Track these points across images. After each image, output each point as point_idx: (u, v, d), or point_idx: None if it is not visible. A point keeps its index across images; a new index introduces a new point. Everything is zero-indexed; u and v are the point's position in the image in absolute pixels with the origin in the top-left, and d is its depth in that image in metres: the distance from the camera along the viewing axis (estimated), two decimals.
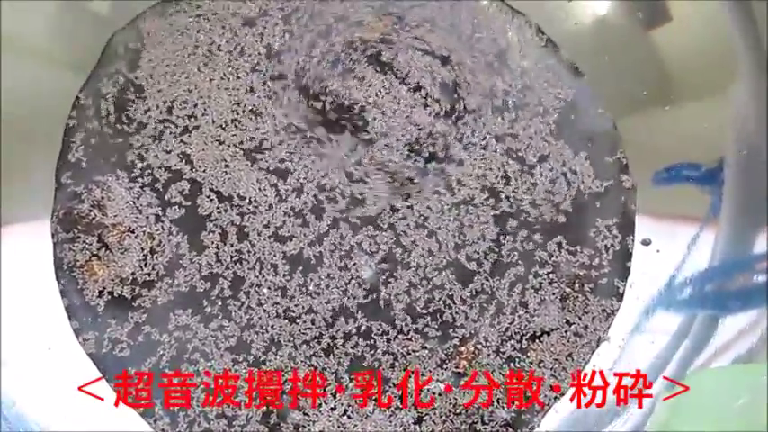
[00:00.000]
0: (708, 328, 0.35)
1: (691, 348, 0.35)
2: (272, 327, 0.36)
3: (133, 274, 0.36)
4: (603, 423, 0.35)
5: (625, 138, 0.38)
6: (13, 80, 0.37)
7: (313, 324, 0.36)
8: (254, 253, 0.37)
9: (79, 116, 0.38)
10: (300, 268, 0.37)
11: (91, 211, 0.37)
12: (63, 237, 0.37)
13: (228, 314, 0.36)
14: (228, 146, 0.37)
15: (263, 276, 0.37)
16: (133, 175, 0.37)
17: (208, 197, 0.37)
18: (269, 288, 0.37)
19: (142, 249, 0.37)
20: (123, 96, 0.38)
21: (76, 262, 0.37)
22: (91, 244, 0.37)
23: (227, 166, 0.37)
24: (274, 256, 0.37)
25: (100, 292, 0.36)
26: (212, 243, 0.37)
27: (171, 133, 0.38)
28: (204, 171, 0.37)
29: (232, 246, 0.37)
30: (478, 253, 0.37)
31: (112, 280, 0.36)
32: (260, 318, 0.36)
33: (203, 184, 0.37)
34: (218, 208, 0.37)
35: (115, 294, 0.36)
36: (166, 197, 0.37)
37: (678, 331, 0.36)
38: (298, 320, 0.36)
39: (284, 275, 0.37)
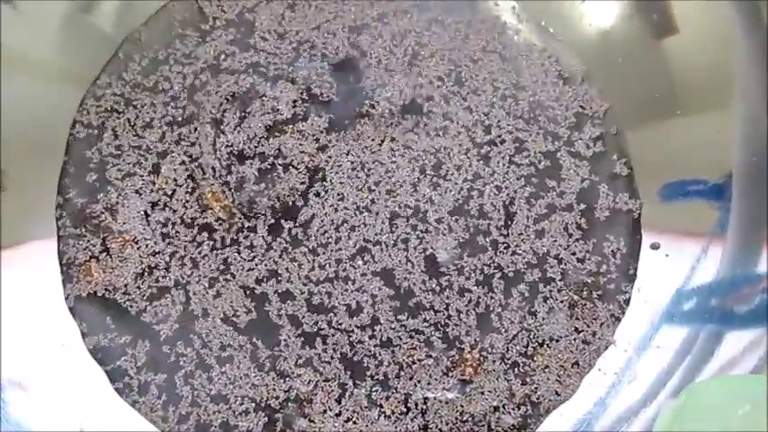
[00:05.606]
0: (711, 344, 0.35)
1: (694, 364, 0.35)
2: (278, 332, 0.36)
3: (126, 285, 0.36)
4: (608, 427, 0.35)
5: (633, 148, 0.38)
6: (26, 93, 0.37)
7: (321, 330, 0.36)
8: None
9: (96, 126, 0.38)
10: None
11: (102, 212, 0.37)
12: (70, 232, 0.37)
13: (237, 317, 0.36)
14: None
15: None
16: (150, 186, 0.37)
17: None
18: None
19: (141, 263, 0.36)
20: (146, 109, 0.38)
21: (76, 259, 0.36)
22: (94, 245, 0.37)
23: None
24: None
25: (89, 294, 0.36)
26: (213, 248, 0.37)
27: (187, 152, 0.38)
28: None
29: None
30: (487, 264, 0.37)
31: (105, 287, 0.36)
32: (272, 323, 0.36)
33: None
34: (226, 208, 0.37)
35: (107, 299, 0.36)
36: (179, 213, 0.37)
37: (682, 346, 0.36)
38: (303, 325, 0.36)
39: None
